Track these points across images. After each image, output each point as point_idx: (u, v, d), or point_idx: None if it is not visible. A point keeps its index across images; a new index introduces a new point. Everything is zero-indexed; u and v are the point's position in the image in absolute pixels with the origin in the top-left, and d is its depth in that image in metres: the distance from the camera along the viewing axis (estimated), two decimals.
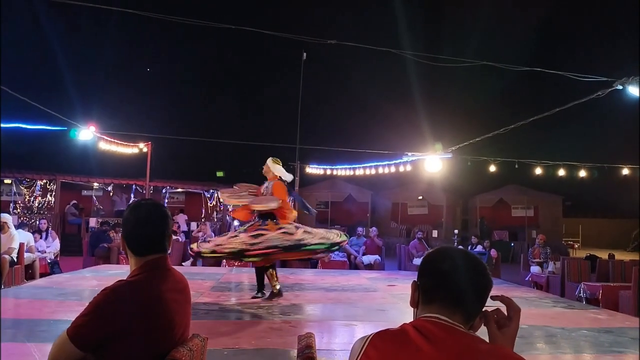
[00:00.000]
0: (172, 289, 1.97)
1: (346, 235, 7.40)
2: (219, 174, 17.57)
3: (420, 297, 1.47)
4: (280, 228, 7.00)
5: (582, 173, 16.81)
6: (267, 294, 7.38)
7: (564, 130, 21.69)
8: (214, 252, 6.81)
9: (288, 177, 7.91)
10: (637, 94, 7.27)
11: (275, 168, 7.70)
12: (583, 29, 26.44)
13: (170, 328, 1.91)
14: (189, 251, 7.44)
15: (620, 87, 7.34)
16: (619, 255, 15.12)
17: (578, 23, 26.45)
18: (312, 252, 7.16)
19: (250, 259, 6.88)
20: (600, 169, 17.00)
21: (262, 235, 6.75)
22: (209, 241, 7.60)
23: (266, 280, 7.52)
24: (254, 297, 7.30)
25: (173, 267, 2.09)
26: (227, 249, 6.65)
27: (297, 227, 7.14)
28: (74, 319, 1.80)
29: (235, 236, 7.03)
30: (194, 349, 1.93)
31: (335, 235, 7.22)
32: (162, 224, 2.04)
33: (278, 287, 7.38)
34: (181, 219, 18.22)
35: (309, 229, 7.30)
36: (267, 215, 7.24)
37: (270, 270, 7.38)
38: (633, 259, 11.90)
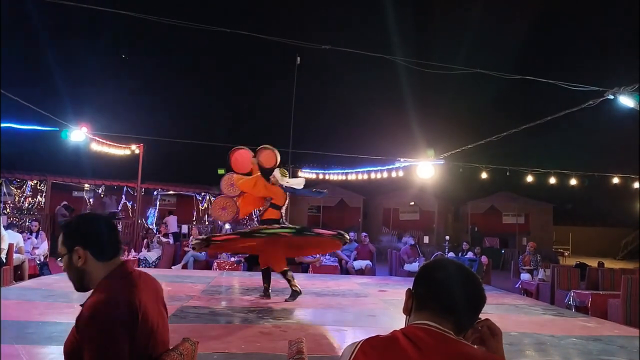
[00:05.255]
0: (147, 288, 1.96)
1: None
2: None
3: (414, 304, 1.48)
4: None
5: (573, 181, 16.92)
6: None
7: (555, 138, 21.83)
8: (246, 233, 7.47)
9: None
10: (629, 104, 7.33)
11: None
12: (576, 38, 26.66)
13: (154, 331, 1.88)
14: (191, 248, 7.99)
15: (612, 97, 7.40)
16: (609, 264, 15.21)
17: (571, 32, 26.67)
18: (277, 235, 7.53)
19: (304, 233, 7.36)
20: (590, 178, 17.12)
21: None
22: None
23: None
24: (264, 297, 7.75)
25: (138, 269, 2.07)
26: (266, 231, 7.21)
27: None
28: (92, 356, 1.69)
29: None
30: (184, 353, 1.92)
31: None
32: (116, 226, 2.10)
33: (297, 288, 7.68)
34: (172, 220, 18.12)
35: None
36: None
37: (289, 273, 7.72)
38: (622, 268, 11.98)
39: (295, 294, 7.57)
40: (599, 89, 7.56)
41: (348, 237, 7.77)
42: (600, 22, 25.14)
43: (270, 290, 7.80)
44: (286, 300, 7.51)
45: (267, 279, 7.85)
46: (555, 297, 9.71)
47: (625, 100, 7.29)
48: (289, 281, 7.65)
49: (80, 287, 1.95)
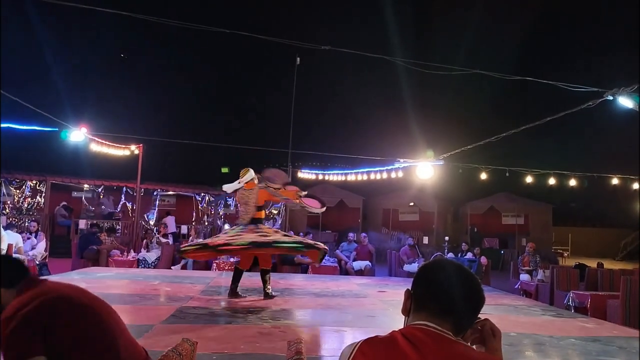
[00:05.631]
0: (64, 291, 2.06)
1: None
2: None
3: (412, 305, 1.48)
4: (276, 232, 7.87)
5: (572, 182, 16.93)
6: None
7: (554, 139, 21.87)
8: (226, 244, 7.11)
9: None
10: (628, 105, 7.33)
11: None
12: (575, 39, 26.69)
13: (103, 331, 1.97)
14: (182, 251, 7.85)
15: (611, 98, 7.40)
16: (608, 264, 15.23)
17: (570, 33, 26.69)
18: (288, 250, 7.83)
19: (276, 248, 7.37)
20: (590, 179, 17.13)
21: (268, 235, 7.40)
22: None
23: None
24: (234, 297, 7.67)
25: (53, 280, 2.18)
26: (240, 241, 7.08)
27: (275, 231, 7.93)
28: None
29: (238, 235, 7.41)
30: (183, 354, 1.93)
31: (312, 242, 7.84)
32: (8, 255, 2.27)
33: (270, 291, 7.80)
34: (170, 220, 18.14)
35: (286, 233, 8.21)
36: (257, 220, 7.84)
37: (269, 274, 7.88)
38: (622, 268, 11.98)
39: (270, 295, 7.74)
40: (598, 90, 7.56)
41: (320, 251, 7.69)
42: (599, 23, 25.17)
43: (239, 290, 7.81)
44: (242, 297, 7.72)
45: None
46: (555, 298, 9.71)
47: (625, 101, 7.29)
48: (266, 282, 7.84)
49: None
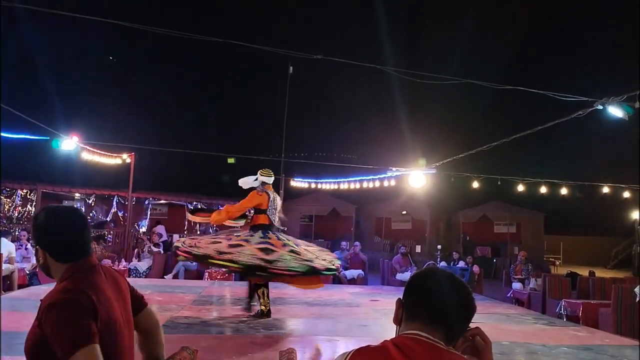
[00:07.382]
0: (109, 284, 1.93)
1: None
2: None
3: (404, 314, 1.48)
4: (285, 245, 6.62)
5: (564, 191, 17.02)
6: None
7: (546, 148, 22.00)
8: (211, 257, 6.25)
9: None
10: (617, 115, 7.39)
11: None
12: (565, 49, 26.94)
13: (118, 335, 1.85)
14: (176, 251, 6.79)
15: (601, 107, 7.46)
16: (600, 273, 15.29)
17: (561, 43, 26.95)
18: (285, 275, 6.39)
19: (273, 276, 6.33)
20: (581, 187, 17.23)
21: (272, 251, 6.34)
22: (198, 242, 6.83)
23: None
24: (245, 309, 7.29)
25: (100, 264, 2.01)
26: (236, 258, 6.10)
27: (284, 245, 6.65)
28: (62, 345, 1.65)
29: (239, 245, 6.44)
30: None
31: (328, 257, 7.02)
32: (84, 226, 1.97)
33: (267, 307, 6.90)
34: (161, 229, 18.07)
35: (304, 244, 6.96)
36: (259, 227, 6.96)
37: (263, 288, 6.90)
38: (613, 277, 12.04)
39: (260, 314, 6.84)
40: (588, 99, 7.62)
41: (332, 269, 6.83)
42: (590, 33, 25.42)
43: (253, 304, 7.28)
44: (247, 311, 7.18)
45: (252, 292, 7.32)
46: (547, 306, 9.74)
47: (614, 111, 7.35)
48: (258, 297, 6.96)
49: (49, 276, 2.00)
